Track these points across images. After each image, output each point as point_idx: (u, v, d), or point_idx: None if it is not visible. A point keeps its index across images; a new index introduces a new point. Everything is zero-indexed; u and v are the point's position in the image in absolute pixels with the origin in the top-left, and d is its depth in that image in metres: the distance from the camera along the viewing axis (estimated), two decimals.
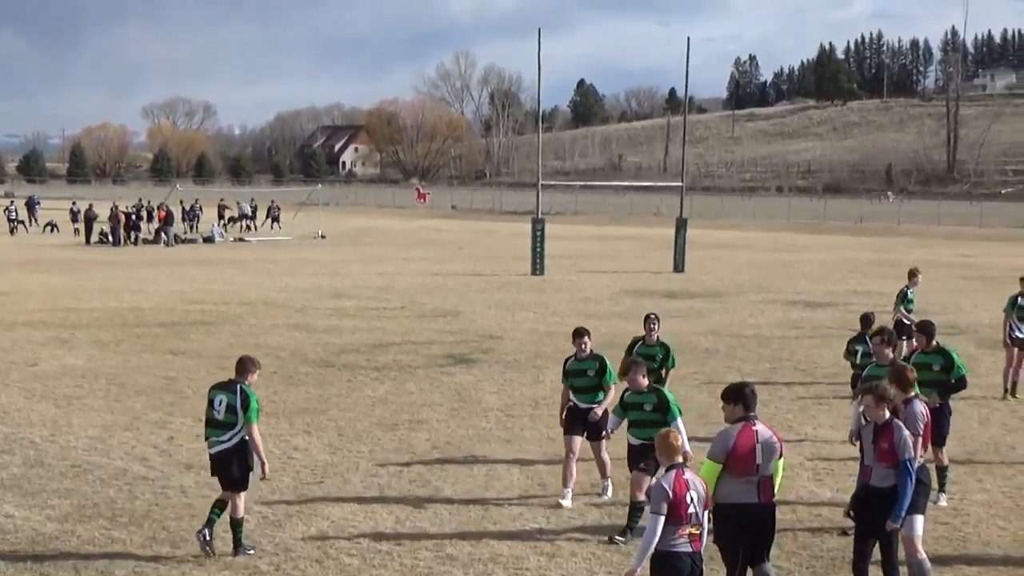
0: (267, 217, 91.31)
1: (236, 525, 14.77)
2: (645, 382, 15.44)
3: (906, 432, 12.65)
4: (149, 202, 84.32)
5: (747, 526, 11.90)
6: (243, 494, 14.88)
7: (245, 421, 14.68)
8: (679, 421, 14.92)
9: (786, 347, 32.14)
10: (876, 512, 12.57)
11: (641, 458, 15.18)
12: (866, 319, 22.49)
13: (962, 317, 38.55)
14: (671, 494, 10.85)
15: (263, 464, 14.79)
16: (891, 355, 16.59)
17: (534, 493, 17.43)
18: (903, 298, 28.55)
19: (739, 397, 12.11)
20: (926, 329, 17.94)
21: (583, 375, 16.98)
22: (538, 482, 18.04)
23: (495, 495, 17.35)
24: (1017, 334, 25.85)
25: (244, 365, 15.21)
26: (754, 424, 11.97)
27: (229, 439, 14.77)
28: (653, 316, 19.97)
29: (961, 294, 45.70)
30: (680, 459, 11.16)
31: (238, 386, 14.89)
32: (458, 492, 17.34)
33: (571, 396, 17.18)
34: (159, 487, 17.49)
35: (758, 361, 29.72)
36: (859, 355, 21.29)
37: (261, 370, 15.67)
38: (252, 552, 14.65)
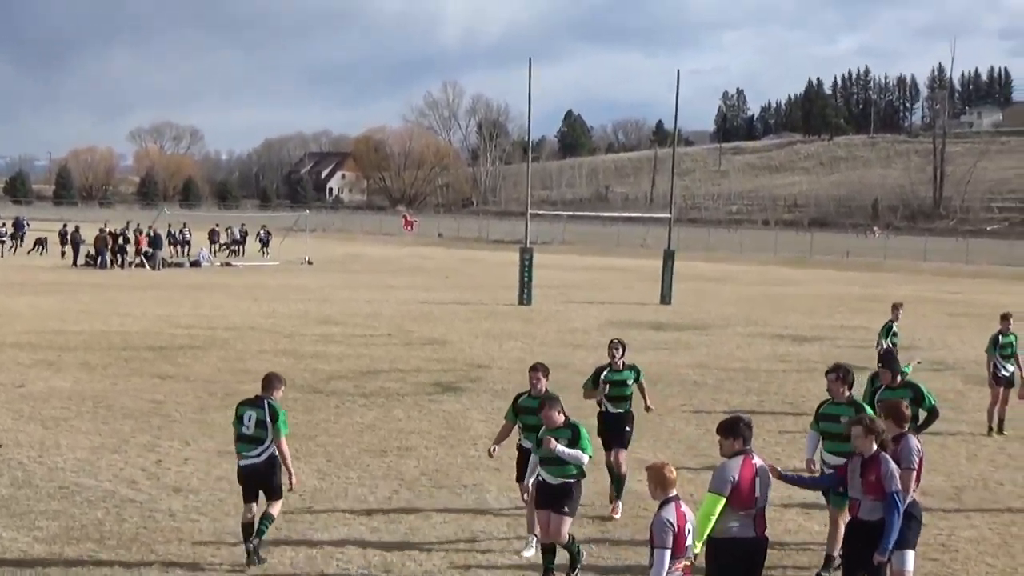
0: (257, 241, 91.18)
1: (266, 518, 15.29)
2: (560, 419, 14.63)
3: (893, 465, 12.63)
4: (138, 225, 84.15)
5: (743, 560, 11.82)
6: (279, 501, 15.52)
7: (274, 434, 15.23)
8: (583, 457, 14.49)
9: (773, 380, 32.18)
10: (864, 545, 12.56)
11: (560, 497, 14.53)
12: (888, 354, 22.62)
13: (949, 354, 38.66)
14: (677, 528, 10.87)
15: (291, 475, 15.44)
16: (847, 393, 15.86)
17: (523, 522, 17.40)
18: (888, 332, 28.75)
19: (736, 431, 12.02)
20: (890, 364, 17.77)
21: (534, 413, 15.80)
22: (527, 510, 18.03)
23: (484, 523, 17.35)
24: (1002, 372, 25.92)
25: (270, 381, 15.81)
26: (752, 457, 11.96)
27: (259, 453, 15.27)
28: (617, 341, 19.12)
29: (948, 330, 45.82)
30: (675, 491, 11.15)
31: (265, 401, 15.48)
32: (447, 519, 17.33)
33: (520, 436, 16.50)
34: (147, 510, 17.44)
35: (745, 394, 29.75)
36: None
37: (279, 389, 15.92)
38: (265, 562, 15.03)
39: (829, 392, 16.06)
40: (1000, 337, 26.64)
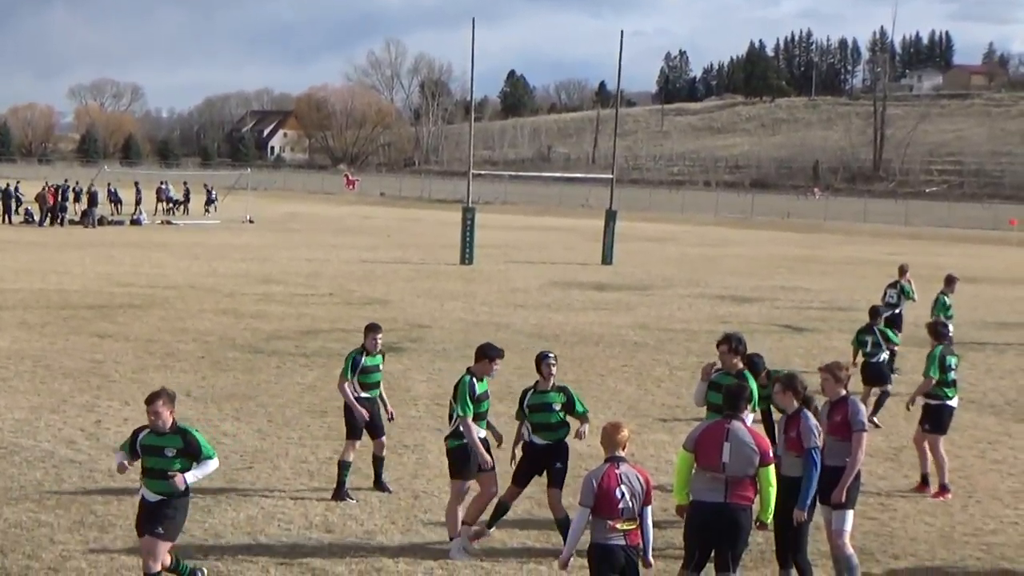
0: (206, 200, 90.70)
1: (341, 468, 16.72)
2: (170, 420, 12.48)
3: (812, 421, 12.77)
4: (77, 183, 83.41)
5: (707, 525, 11.90)
6: (351, 441, 16.81)
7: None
8: (210, 466, 12.45)
9: (714, 341, 32.23)
10: (789, 501, 12.64)
11: (156, 518, 12.24)
12: (874, 311, 23.33)
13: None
14: (596, 487, 10.96)
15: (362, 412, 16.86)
16: (739, 363, 15.43)
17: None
18: (902, 291, 29.44)
19: (728, 398, 12.38)
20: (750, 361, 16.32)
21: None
22: None
23: (425, 483, 17.38)
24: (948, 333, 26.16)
25: (365, 330, 17.43)
26: (729, 422, 12.01)
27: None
28: (553, 357, 15.12)
29: None
30: (620, 452, 11.21)
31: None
32: (388, 479, 17.27)
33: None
34: (87, 470, 17.34)
35: (686, 355, 29.81)
36: (868, 345, 22.94)
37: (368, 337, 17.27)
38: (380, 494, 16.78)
39: (721, 362, 15.64)
40: (945, 298, 27.25)
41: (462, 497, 14.65)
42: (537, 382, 14.97)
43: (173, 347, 28.16)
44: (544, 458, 14.77)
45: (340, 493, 16.54)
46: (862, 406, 13.66)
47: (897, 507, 16.92)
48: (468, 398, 14.37)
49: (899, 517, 16.45)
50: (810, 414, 12.86)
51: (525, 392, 15.08)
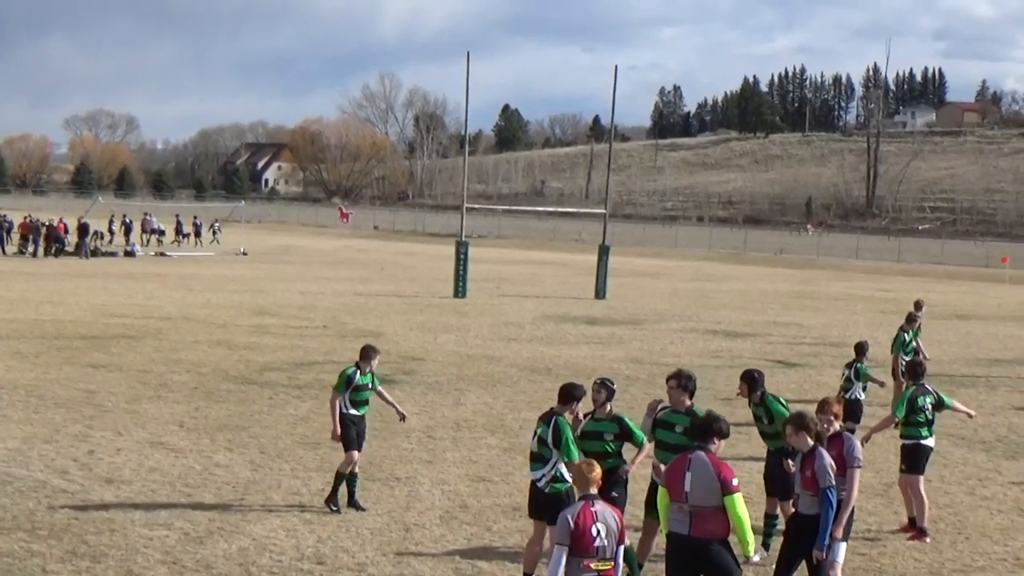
0: (209, 232, 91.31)
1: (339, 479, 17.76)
2: None
3: (827, 460, 12.77)
4: (36, 218, 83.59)
5: (680, 557, 11.86)
6: (350, 453, 17.83)
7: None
8: None
9: (706, 376, 32.24)
10: (805, 539, 12.69)
11: None
12: (860, 347, 23.50)
13: (880, 351, 38.80)
14: (572, 525, 10.84)
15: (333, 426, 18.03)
16: (687, 401, 14.59)
17: (456, 515, 17.47)
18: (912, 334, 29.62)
19: (700, 428, 12.38)
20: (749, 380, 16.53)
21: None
22: (459, 504, 18.09)
23: (416, 515, 17.39)
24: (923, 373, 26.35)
25: (363, 351, 18.65)
26: (693, 452, 12.00)
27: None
28: (600, 383, 14.88)
29: (879, 328, 46.09)
30: (594, 490, 11.18)
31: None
32: (380, 512, 17.35)
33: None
34: (79, 500, 17.36)
35: None
36: (843, 379, 23.83)
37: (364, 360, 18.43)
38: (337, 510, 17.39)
39: (670, 399, 14.85)
40: (904, 336, 27.62)
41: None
42: (594, 409, 14.72)
43: (166, 378, 28.21)
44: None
45: (332, 499, 17.60)
46: (857, 442, 13.73)
47: (886, 543, 16.97)
48: (573, 441, 14.02)
49: (888, 553, 16.50)
50: (824, 452, 12.87)
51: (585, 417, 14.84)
